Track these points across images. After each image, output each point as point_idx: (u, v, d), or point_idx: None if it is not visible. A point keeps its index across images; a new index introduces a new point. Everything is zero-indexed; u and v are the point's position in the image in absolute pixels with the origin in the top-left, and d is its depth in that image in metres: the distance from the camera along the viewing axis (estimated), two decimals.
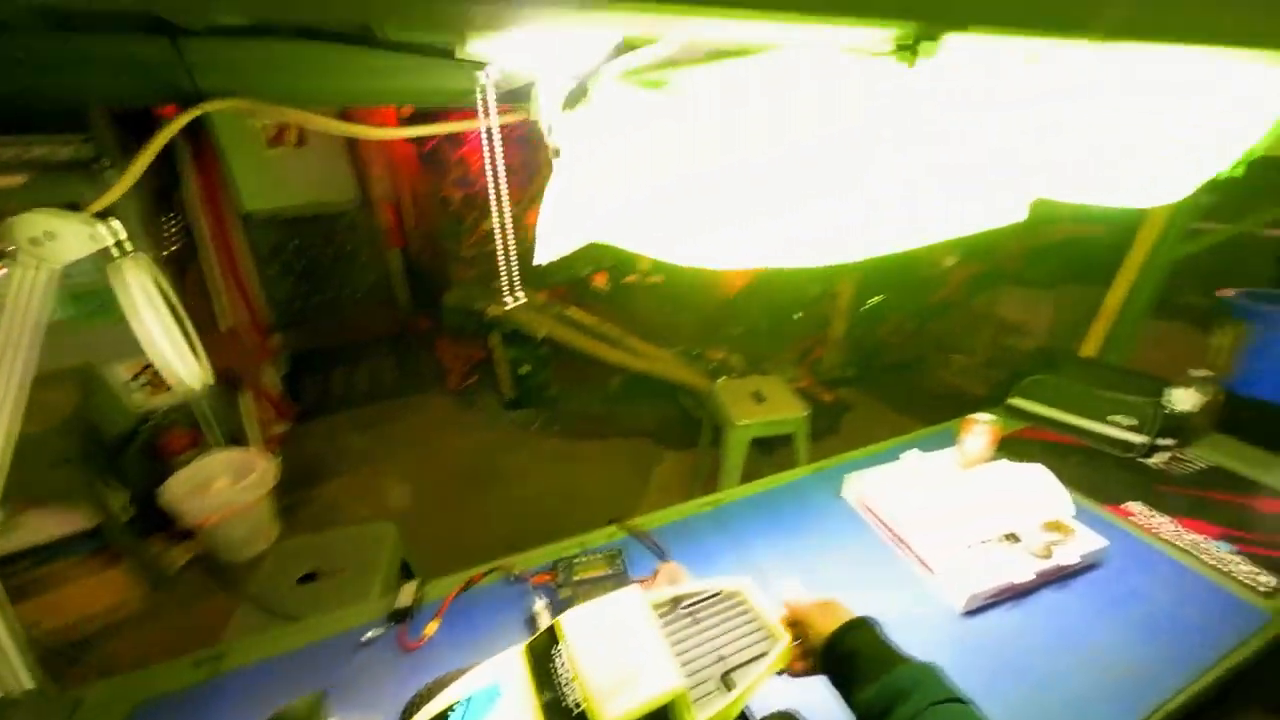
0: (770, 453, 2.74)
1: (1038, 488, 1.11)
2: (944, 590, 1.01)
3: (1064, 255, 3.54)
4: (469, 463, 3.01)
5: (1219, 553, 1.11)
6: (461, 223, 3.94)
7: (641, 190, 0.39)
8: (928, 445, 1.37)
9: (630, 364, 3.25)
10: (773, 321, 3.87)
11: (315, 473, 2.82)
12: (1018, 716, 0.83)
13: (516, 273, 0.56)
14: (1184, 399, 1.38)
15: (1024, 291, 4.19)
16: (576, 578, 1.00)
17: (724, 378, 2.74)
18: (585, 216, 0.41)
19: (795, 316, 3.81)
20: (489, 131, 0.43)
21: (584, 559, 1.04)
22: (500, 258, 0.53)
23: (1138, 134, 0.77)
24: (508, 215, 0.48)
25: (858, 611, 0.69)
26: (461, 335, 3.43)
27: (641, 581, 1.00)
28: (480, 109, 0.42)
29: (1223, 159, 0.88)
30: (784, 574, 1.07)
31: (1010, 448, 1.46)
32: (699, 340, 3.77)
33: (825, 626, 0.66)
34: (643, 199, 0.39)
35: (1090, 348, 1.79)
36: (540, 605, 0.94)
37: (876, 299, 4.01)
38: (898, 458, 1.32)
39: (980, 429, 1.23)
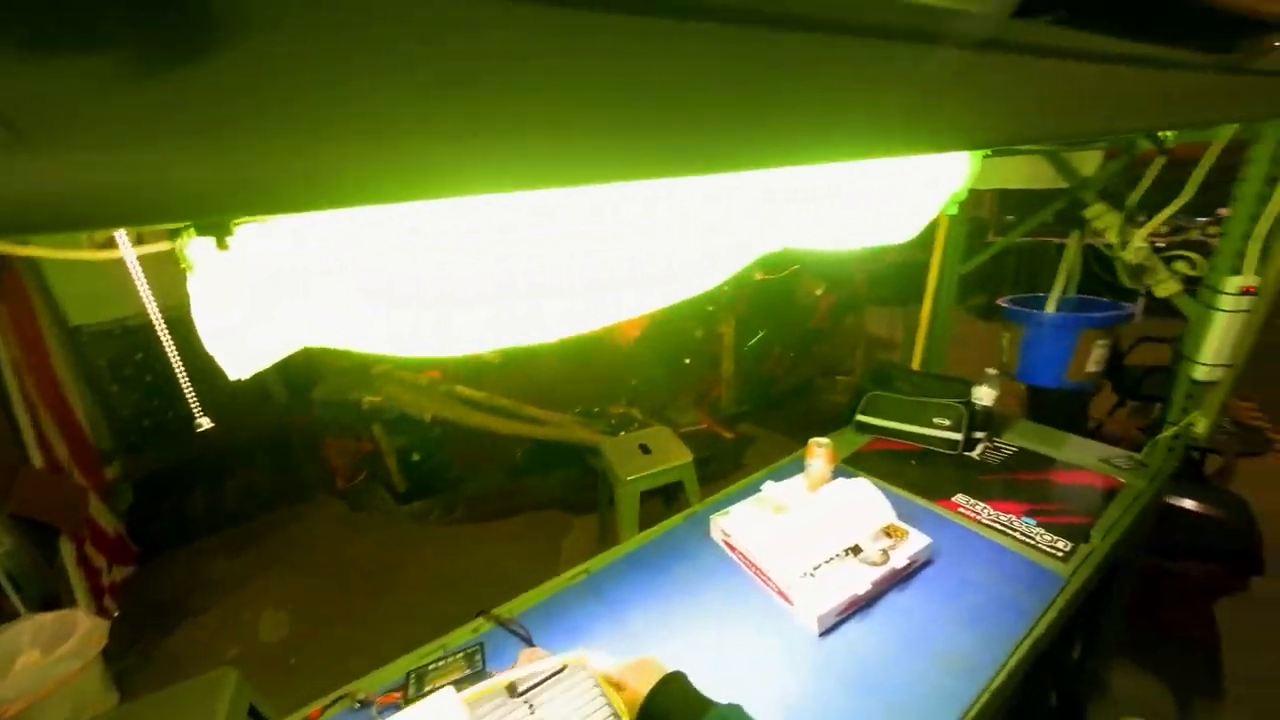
0: (673, 500, 2.77)
1: (866, 498, 1.21)
2: (801, 616, 1.05)
3: (900, 278, 4.03)
4: (361, 569, 2.74)
5: (1026, 528, 1.27)
6: None
7: (293, 301, 0.41)
8: (787, 472, 1.46)
9: (529, 433, 3.20)
10: (667, 369, 4.00)
11: (169, 617, 2.43)
12: None
13: (193, 395, 0.55)
14: (984, 395, 1.59)
15: (884, 310, 4.72)
16: (429, 687, 0.92)
17: (621, 433, 2.76)
18: (261, 328, 0.42)
19: (685, 361, 3.97)
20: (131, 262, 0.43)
21: (439, 664, 0.97)
22: (182, 381, 0.52)
23: (866, 197, 0.92)
24: (168, 339, 0.48)
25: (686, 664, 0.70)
26: (342, 430, 3.20)
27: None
28: (121, 242, 0.42)
29: (936, 205, 1.08)
30: (656, 629, 1.07)
31: (861, 462, 1.60)
32: (599, 398, 3.80)
33: (641, 690, 0.66)
34: (297, 310, 0.42)
35: (916, 358, 2.03)
36: None
37: (759, 334, 4.29)
38: (760, 489, 1.39)
39: (820, 451, 1.34)
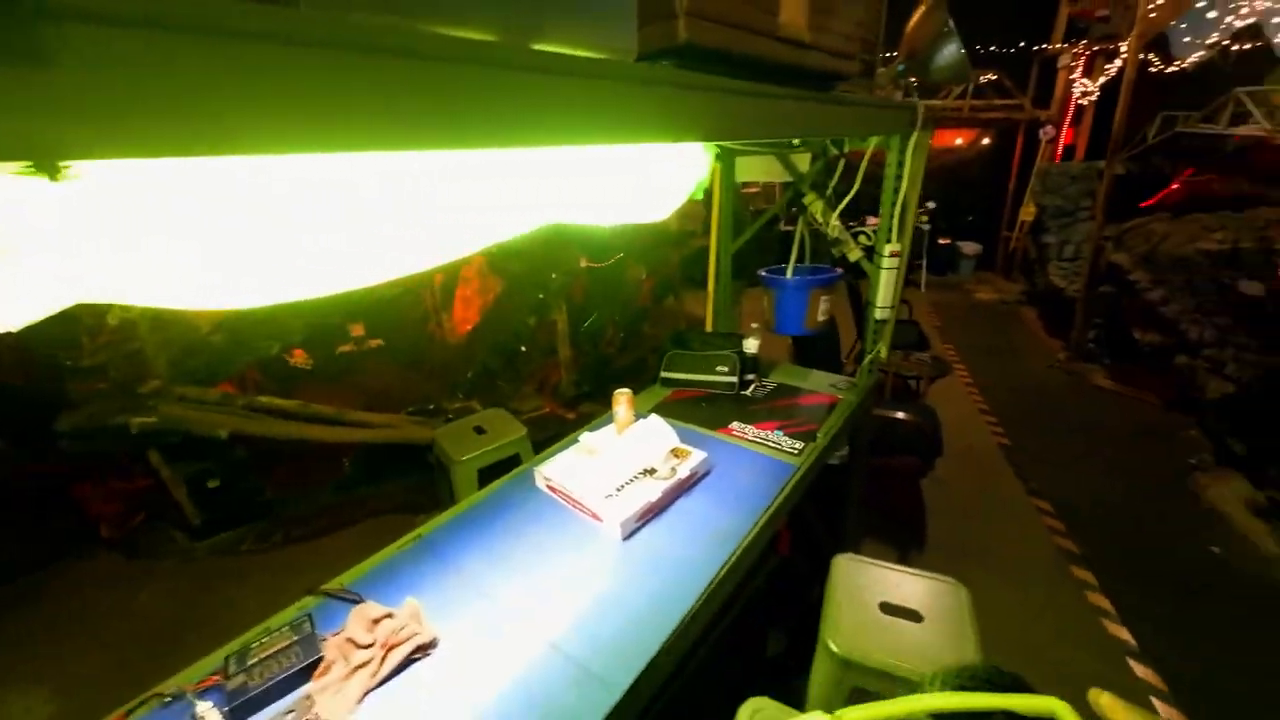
0: None
1: (657, 430, 1.49)
2: (608, 527, 1.28)
3: (703, 261, 4.64)
4: (149, 621, 2.35)
5: (777, 438, 1.68)
6: (79, 323, 3.05)
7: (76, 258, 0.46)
8: (602, 425, 1.69)
9: (355, 439, 3.01)
10: (502, 359, 4.05)
11: None
12: (666, 596, 1.11)
13: None
14: (751, 345, 2.02)
15: (699, 291, 5.35)
16: (252, 660, 0.94)
17: (444, 425, 2.77)
18: (34, 284, 0.46)
19: (521, 350, 4.06)
20: None
21: (264, 640, 0.99)
22: None
23: (621, 182, 1.15)
24: None
25: None
26: (104, 467, 2.66)
27: (332, 635, 1.01)
28: None
29: (684, 191, 1.37)
30: (489, 570, 1.20)
31: (666, 410, 1.90)
32: (434, 395, 3.70)
33: None
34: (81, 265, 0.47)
35: (709, 322, 2.44)
36: (204, 709, 0.86)
37: (591, 319, 4.57)
38: (579, 440, 1.59)
39: (621, 399, 1.59)
